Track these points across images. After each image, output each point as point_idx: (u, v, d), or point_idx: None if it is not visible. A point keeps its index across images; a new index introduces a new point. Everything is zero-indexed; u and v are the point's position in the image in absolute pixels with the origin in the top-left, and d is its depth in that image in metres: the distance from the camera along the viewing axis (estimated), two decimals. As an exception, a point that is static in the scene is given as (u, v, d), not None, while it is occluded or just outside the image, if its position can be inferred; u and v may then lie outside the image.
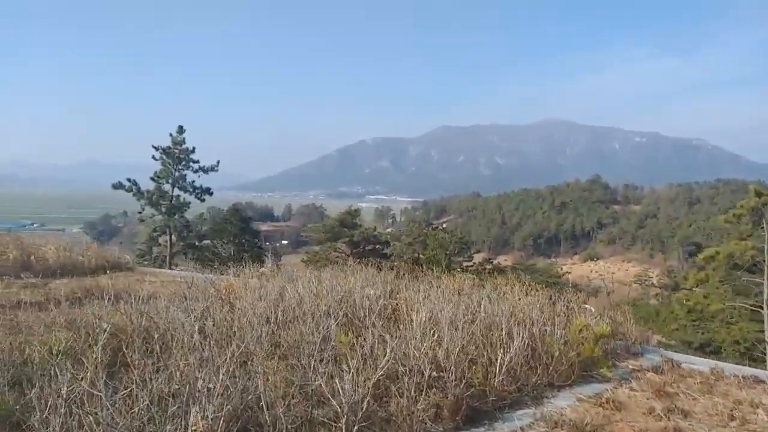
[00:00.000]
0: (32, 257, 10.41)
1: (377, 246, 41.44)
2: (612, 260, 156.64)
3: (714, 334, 31.89)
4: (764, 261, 21.14)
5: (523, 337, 5.43)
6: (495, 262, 50.05)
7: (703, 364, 6.98)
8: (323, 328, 5.24)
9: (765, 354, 23.35)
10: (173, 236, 37.49)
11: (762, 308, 22.92)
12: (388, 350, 4.67)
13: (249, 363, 4.61)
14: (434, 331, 5.33)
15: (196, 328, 5.18)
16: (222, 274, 9.22)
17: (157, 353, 4.88)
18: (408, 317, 5.98)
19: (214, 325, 5.46)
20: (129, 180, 36.16)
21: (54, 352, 4.50)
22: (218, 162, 40.24)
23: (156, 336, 5.34)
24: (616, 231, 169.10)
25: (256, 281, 7.42)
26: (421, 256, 42.99)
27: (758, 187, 21.83)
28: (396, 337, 5.18)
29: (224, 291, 6.61)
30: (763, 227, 21.13)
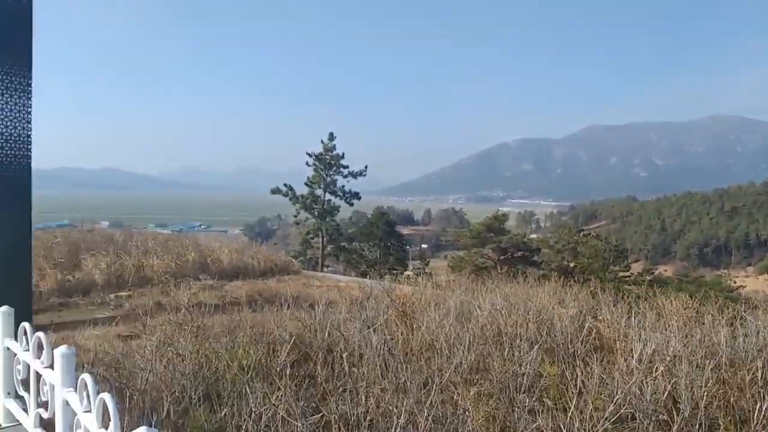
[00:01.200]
0: (208, 259, 10.93)
1: (526, 253, 39.67)
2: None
3: None
4: None
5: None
6: (655, 272, 45.40)
7: None
8: (525, 355, 4.49)
9: None
10: (325, 239, 39.11)
11: None
12: (616, 390, 3.79)
13: (452, 395, 3.99)
14: (662, 368, 4.32)
15: (383, 345, 4.70)
16: (393, 281, 8.77)
17: (344, 371, 4.46)
18: (619, 347, 5.00)
19: (396, 341, 4.95)
20: (285, 185, 38.43)
21: (243, 367, 4.26)
22: (366, 167, 41.34)
23: (337, 350, 4.98)
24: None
25: (433, 292, 6.84)
26: (571, 264, 40.38)
27: None
28: (611, 372, 4.28)
29: (400, 301, 6.13)
30: None
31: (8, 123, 7.29)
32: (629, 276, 38.99)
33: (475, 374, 4.48)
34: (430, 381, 4.00)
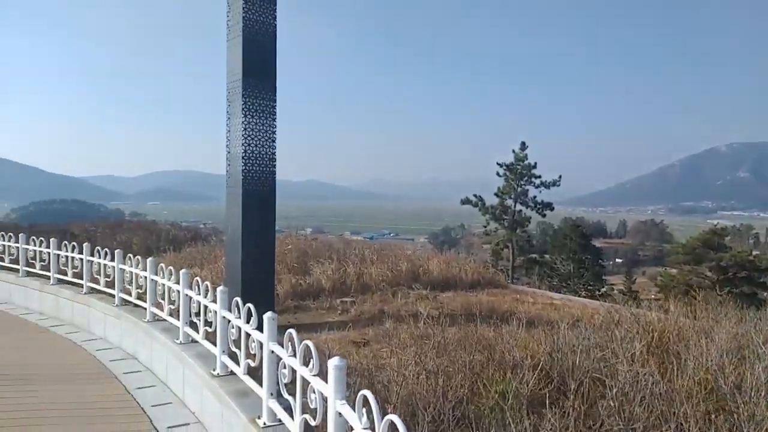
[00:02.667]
0: (420, 270, 11.07)
1: (752, 273, 34.14)
2: None
3: None
4: None
5: None
6: None
7: None
8: None
9: None
10: (514, 250, 38.08)
11: None
12: None
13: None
14: None
15: (647, 381, 4.11)
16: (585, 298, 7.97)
17: (612, 407, 3.97)
18: None
19: (663, 379, 4.30)
20: (475, 196, 38.32)
21: (500, 391, 4.02)
22: (560, 177, 39.48)
23: (587, 380, 4.51)
24: None
25: (687, 322, 5.95)
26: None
27: None
28: None
29: (650, 330, 5.41)
30: None
31: (257, 142, 8.13)
32: None
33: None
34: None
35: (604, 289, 43.20)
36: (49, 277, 10.29)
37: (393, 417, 2.73)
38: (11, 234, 11.59)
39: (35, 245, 10.70)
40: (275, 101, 8.36)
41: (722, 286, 32.32)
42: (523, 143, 39.38)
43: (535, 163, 38.56)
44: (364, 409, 2.95)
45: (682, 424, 3.54)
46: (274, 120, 8.35)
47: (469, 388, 4.36)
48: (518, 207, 38.65)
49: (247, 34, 7.97)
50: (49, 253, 10.35)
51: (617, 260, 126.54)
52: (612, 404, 3.83)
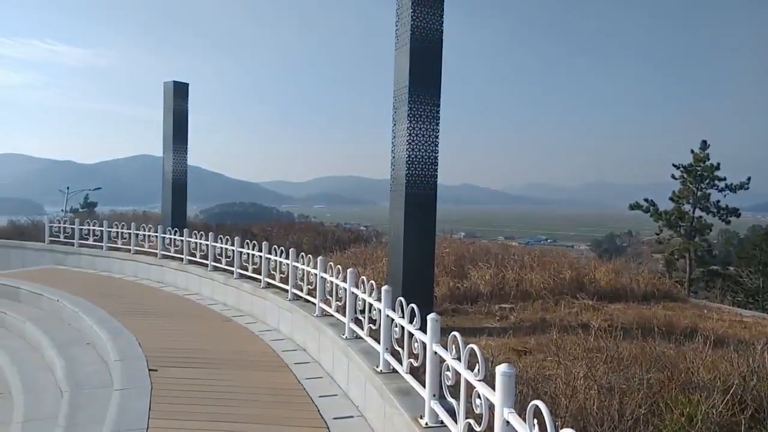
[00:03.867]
0: (585, 278, 10.45)
1: None
2: None
3: None
4: None
5: None
6: None
7: None
8: None
9: None
10: (692, 260, 34.40)
11: None
12: None
13: None
14: None
15: None
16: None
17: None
18: None
19: None
20: (646, 200, 35.38)
21: (689, 416, 3.62)
22: (749, 179, 34.97)
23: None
24: None
25: None
26: None
27: None
28: None
29: None
30: None
31: (420, 147, 8.28)
32: None
33: None
34: None
35: (804, 310, 37.28)
36: (232, 272, 11.48)
37: (568, 431, 2.59)
38: (202, 233, 13.14)
39: (222, 243, 12.02)
40: (439, 107, 8.47)
41: None
42: (704, 142, 35.52)
43: (719, 164, 34.52)
44: (535, 421, 2.85)
45: None
46: (437, 125, 8.46)
47: (647, 409, 3.99)
48: (698, 213, 34.89)
49: (414, 41, 8.17)
50: (233, 250, 11.56)
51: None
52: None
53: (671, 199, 34.93)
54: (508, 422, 3.13)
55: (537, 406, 2.75)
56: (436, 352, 4.40)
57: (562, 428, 3.87)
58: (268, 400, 6.02)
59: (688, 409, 3.66)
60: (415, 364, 4.89)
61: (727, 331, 7.87)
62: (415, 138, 8.22)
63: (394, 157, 8.50)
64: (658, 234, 35.67)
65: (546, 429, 2.56)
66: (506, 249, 12.25)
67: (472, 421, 3.55)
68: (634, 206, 35.61)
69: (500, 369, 3.16)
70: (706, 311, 9.55)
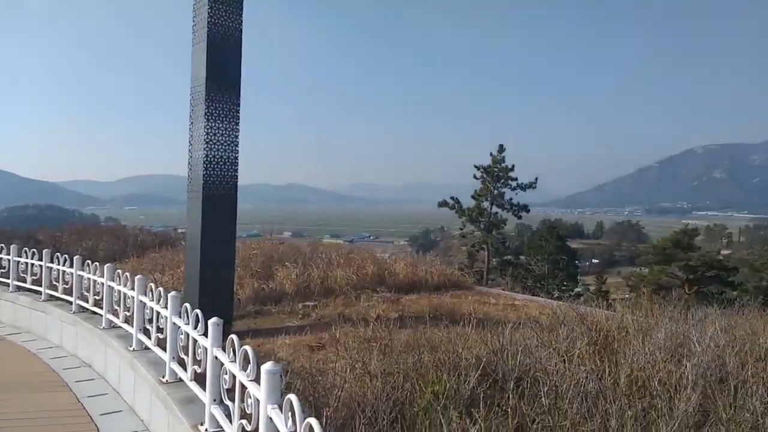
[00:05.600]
0: (386, 272, 11.14)
1: (720, 273, 34.89)
2: None
3: None
4: None
5: None
6: None
7: None
8: (761, 404, 3.71)
9: None
10: (490, 252, 38.41)
11: None
12: None
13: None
14: None
15: (584, 379, 4.23)
16: (557, 299, 8.11)
17: (544, 406, 4.07)
18: None
19: (601, 378, 4.42)
20: (452, 198, 38.63)
21: (435, 392, 4.09)
22: (536, 179, 39.96)
23: (527, 380, 4.61)
24: None
25: (634, 319, 6.10)
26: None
27: None
28: None
29: (596, 329, 5.54)
30: None
31: (219, 147, 8.13)
32: None
33: (698, 421, 3.80)
34: (647, 426, 3.47)
35: (578, 289, 43.86)
36: (7, 285, 10.13)
37: (311, 420, 2.78)
38: (-28, 241, 11.38)
39: (-6, 252, 10.53)
40: (239, 106, 8.38)
41: (691, 285, 33.02)
42: (501, 146, 39.74)
43: (513, 166, 38.91)
44: (290, 413, 2.99)
45: (607, 420, 3.65)
46: (237, 125, 8.35)
47: (410, 390, 4.42)
48: (494, 209, 38.97)
49: (212, 38, 7.99)
50: (9, 259, 10.20)
51: (594, 261, 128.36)
52: (544, 402, 3.93)
53: (473, 197, 38.59)
54: (270, 418, 3.24)
55: (290, 400, 2.92)
56: (216, 357, 4.38)
57: (331, 416, 4.14)
58: (40, 425, 5.46)
59: (437, 387, 4.15)
60: (199, 371, 4.82)
61: (499, 313, 9.00)
62: (213, 138, 8.04)
63: (191, 158, 8.23)
64: (461, 229, 39.18)
65: (296, 420, 2.72)
66: (315, 247, 12.54)
67: (244, 422, 3.61)
68: (442, 204, 38.70)
69: (265, 367, 3.27)
70: (486, 297, 10.81)
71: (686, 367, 4.28)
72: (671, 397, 3.95)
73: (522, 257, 45.79)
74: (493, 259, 39.96)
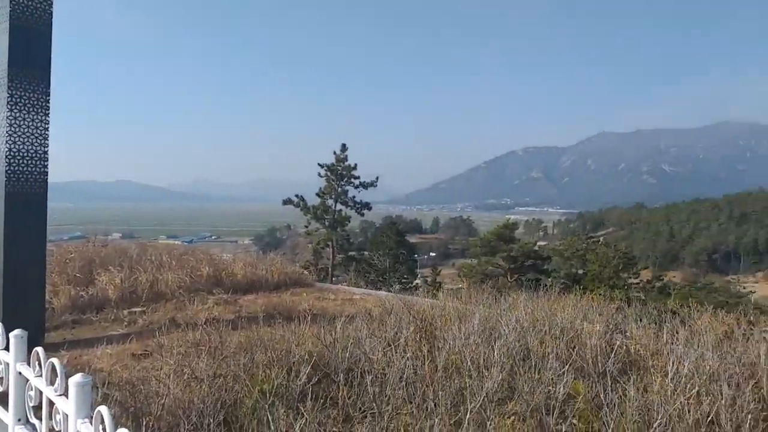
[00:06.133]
0: (223, 273, 10.81)
1: (537, 261, 39.32)
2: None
3: None
4: None
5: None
6: (664, 279, 44.63)
7: None
8: (555, 375, 4.32)
9: None
10: (335, 249, 39.02)
11: None
12: (655, 412, 3.61)
13: (485, 419, 3.82)
14: (696, 387, 4.13)
15: (407, 366, 4.54)
16: (404, 290, 8.62)
17: (368, 394, 4.30)
18: (652, 365, 4.82)
19: (422, 363, 4.78)
20: (297, 196, 38.50)
21: (263, 390, 4.11)
22: (377, 178, 41.31)
23: (358, 370, 4.83)
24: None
25: (454, 306, 6.66)
26: (580, 271, 39.92)
27: None
28: (645, 392, 4.10)
29: (420, 318, 5.96)
30: None
31: (25, 140, 7.26)
32: (638, 283, 38.64)
33: (505, 396, 4.30)
34: (459, 404, 3.85)
35: (417, 281, 46.45)
36: None
37: (122, 431, 2.66)
38: None
39: None
40: (48, 95, 7.55)
41: (512, 273, 36.69)
42: (344, 145, 40.38)
43: (355, 165, 39.76)
44: (101, 427, 2.83)
45: (424, 402, 3.98)
46: (47, 116, 7.53)
47: (240, 391, 4.39)
48: (339, 207, 39.60)
49: (15, 20, 7.09)
50: None
51: (431, 254, 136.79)
52: (369, 390, 4.15)
53: (318, 194, 38.84)
54: (79, 432, 3.04)
55: (99, 412, 2.76)
56: (20, 372, 3.96)
57: (153, 425, 3.96)
58: None
59: (266, 385, 4.18)
60: (1, 389, 4.31)
61: (337, 308, 9.22)
62: (16, 129, 7.17)
63: (-9, 151, 7.24)
64: (306, 227, 39.26)
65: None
66: (144, 249, 11.74)
67: (53, 440, 3.33)
68: (287, 202, 38.41)
69: (74, 380, 3.05)
70: (326, 293, 11.01)
71: (494, 348, 4.81)
72: (481, 375, 4.42)
73: (365, 253, 47.23)
74: (339, 256, 40.69)
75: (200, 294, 9.74)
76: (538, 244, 50.70)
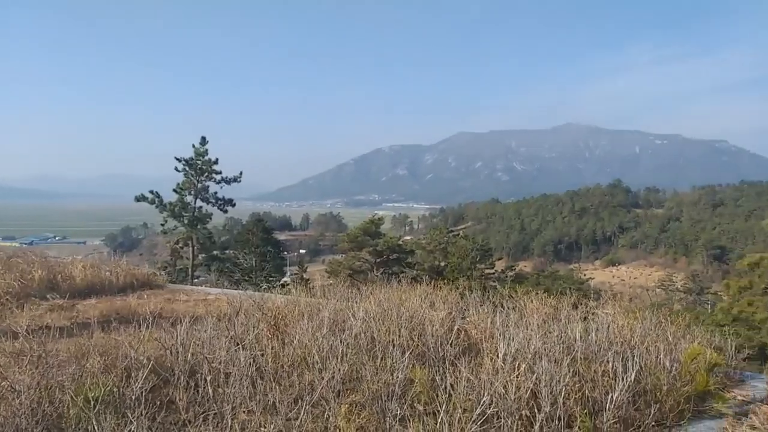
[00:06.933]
0: (59, 276, 9.82)
1: (401, 255, 40.61)
2: (634, 265, 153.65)
3: (760, 342, 30.31)
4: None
5: (628, 371, 4.61)
6: (516, 269, 48.57)
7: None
8: (396, 362, 4.48)
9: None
10: (196, 248, 37.17)
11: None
12: (483, 391, 3.89)
13: (324, 410, 3.85)
14: (524, 365, 4.53)
15: (251, 364, 4.44)
16: (255, 290, 8.46)
17: (208, 395, 4.16)
18: (486, 347, 5.19)
19: (267, 359, 4.71)
20: (152, 192, 36.06)
21: (90, 399, 3.79)
22: (241, 173, 40.00)
23: (201, 372, 4.64)
24: (639, 235, 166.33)
25: (307, 301, 6.65)
26: (442, 264, 41.99)
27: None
28: (482, 373, 4.42)
29: (272, 314, 5.87)
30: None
31: None
32: (494, 273, 41.60)
33: (349, 386, 4.38)
34: (300, 398, 3.84)
35: (285, 279, 45.75)
36: None
37: None
38: None
39: None
40: None
41: (379, 267, 37.59)
42: (204, 138, 38.51)
43: (216, 159, 38.11)
44: None
45: (265, 396, 3.93)
46: None
47: (67, 401, 4.02)
48: (199, 203, 37.74)
49: None
50: None
51: (301, 251, 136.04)
52: (209, 390, 4.00)
53: (175, 190, 36.60)
54: None
55: None
56: None
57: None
58: None
59: (95, 393, 3.86)
60: None
61: (188, 309, 8.78)
62: None
63: None
64: (163, 225, 36.95)
65: None
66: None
67: None
68: (140, 198, 35.77)
69: None
70: (177, 295, 10.44)
71: (341, 338, 4.88)
72: (325, 368, 4.46)
73: (230, 251, 45.52)
74: (200, 255, 38.82)
75: (32, 299, 8.77)
76: (403, 238, 52.36)
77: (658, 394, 4.82)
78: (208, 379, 4.09)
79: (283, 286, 28.21)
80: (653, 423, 4.76)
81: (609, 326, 5.63)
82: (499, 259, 49.18)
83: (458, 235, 53.29)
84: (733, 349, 6.24)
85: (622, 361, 4.75)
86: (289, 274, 54.03)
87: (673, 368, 5.06)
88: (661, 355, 5.12)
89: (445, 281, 11.65)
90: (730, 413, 5.16)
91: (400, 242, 42.93)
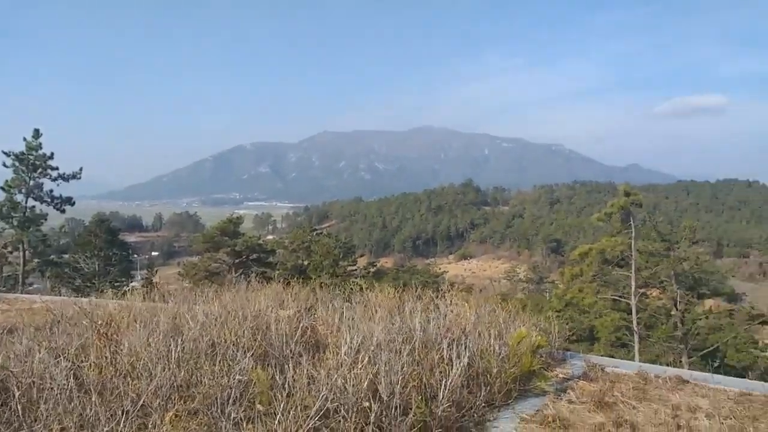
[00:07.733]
0: None
1: (261, 255, 39.71)
2: (484, 258, 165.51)
3: (589, 324, 34.10)
4: (632, 256, 22.95)
5: (462, 357, 4.91)
6: (378, 265, 49.95)
7: (625, 366, 6.97)
8: (235, 364, 4.34)
9: (632, 342, 25.40)
10: (27, 252, 33.23)
11: (628, 299, 24.94)
12: (321, 386, 3.91)
13: (149, 421, 3.60)
14: (366, 357, 4.64)
15: (71, 376, 4.03)
16: (97, 297, 7.78)
17: (17, 412, 3.70)
18: (332, 341, 5.23)
19: (93, 370, 4.31)
20: (-27, 190, 31.59)
21: None
22: (81, 169, 36.52)
23: (15, 389, 4.13)
24: (487, 231, 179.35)
25: (143, 306, 6.20)
26: (305, 263, 41.83)
27: (627, 187, 23.70)
28: (322, 368, 4.44)
29: (103, 322, 5.38)
30: (631, 225, 22.94)
31: None
32: (356, 270, 42.34)
33: (185, 393, 4.14)
34: (126, 410, 3.56)
35: (134, 284, 42.58)
36: None
37: None
38: None
39: None
40: None
41: (237, 268, 36.43)
42: (37, 131, 34.54)
43: (52, 154, 34.32)
44: None
45: (83, 410, 3.59)
46: None
47: None
48: (31, 202, 33.77)
49: None
50: None
51: (153, 253, 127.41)
52: (16, 408, 3.57)
53: (2, 188, 32.45)
54: None
55: None
56: None
57: None
58: None
59: None
60: None
61: (8, 321, 7.80)
62: None
63: None
64: (-13, 226, 32.56)
65: None
66: None
67: None
68: (-42, 196, 31.21)
69: None
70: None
71: (177, 343, 4.62)
72: (154, 375, 4.18)
73: (69, 256, 41.31)
74: (34, 260, 34.77)
75: None
76: (266, 237, 51.35)
77: (488, 376, 5.19)
78: (16, 395, 3.63)
79: (132, 290, 26.10)
80: (484, 404, 5.12)
81: (446, 315, 5.96)
82: (362, 256, 50.16)
83: (322, 233, 53.38)
84: (556, 331, 6.94)
85: (456, 347, 5.04)
86: (139, 278, 50.33)
87: (502, 351, 5.49)
88: (492, 340, 5.53)
89: (307, 280, 11.59)
90: (551, 390, 5.73)
91: (261, 242, 41.96)
